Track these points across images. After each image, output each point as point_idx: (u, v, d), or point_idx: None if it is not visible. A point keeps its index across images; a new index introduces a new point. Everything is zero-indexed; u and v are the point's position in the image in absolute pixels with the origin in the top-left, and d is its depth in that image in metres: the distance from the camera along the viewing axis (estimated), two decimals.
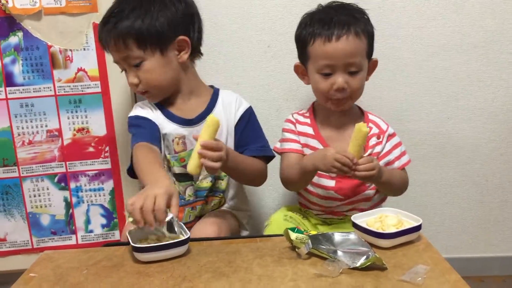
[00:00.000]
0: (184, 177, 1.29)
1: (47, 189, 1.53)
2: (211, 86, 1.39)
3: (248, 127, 1.34)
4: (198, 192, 1.31)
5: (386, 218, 1.03)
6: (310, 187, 1.30)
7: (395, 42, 1.47)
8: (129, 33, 1.19)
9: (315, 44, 1.22)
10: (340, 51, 1.19)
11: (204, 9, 1.38)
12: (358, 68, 1.22)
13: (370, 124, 1.29)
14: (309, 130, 1.30)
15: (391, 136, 1.30)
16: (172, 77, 1.26)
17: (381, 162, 1.26)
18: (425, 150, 1.59)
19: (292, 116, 1.35)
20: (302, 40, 1.26)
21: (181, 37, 1.24)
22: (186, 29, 1.26)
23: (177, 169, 1.29)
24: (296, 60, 1.45)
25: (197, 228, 1.27)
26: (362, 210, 1.21)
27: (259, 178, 1.34)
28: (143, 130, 1.24)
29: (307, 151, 1.29)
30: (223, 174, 1.33)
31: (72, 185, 1.53)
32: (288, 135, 1.33)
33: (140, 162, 1.13)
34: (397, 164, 1.29)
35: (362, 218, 1.05)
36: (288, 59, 1.52)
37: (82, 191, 1.54)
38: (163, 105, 1.30)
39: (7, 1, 1.37)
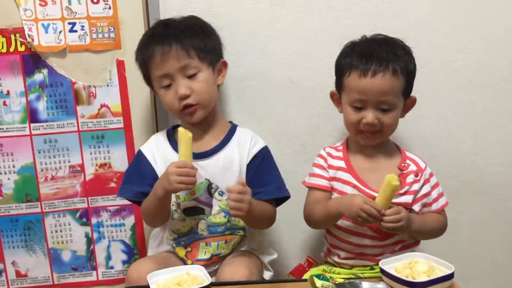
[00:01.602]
0: (194, 211, 1.30)
1: (69, 224, 1.52)
2: (230, 122, 1.38)
3: (262, 166, 1.32)
4: (211, 227, 1.30)
5: (416, 264, 1.00)
6: (339, 222, 1.26)
7: (421, 76, 1.43)
8: (192, 43, 1.25)
9: (350, 77, 1.22)
10: (373, 88, 1.18)
11: (228, 43, 1.40)
12: (391, 106, 1.20)
13: (408, 161, 1.27)
14: (341, 164, 1.28)
15: (430, 175, 1.27)
16: (215, 95, 1.32)
17: (419, 204, 1.23)
18: (453, 186, 1.54)
19: (324, 150, 1.33)
20: (340, 69, 1.26)
21: (223, 59, 1.34)
22: (222, 54, 1.36)
23: (188, 203, 1.29)
24: (318, 94, 1.45)
25: (225, 271, 1.24)
26: (394, 252, 1.17)
27: (269, 223, 1.33)
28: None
29: (338, 185, 1.27)
30: None
31: (94, 220, 1.53)
32: (317, 170, 1.31)
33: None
34: (434, 206, 1.26)
35: (391, 264, 1.01)
36: (311, 93, 1.51)
37: (103, 227, 1.53)
38: (173, 138, 1.31)
39: (32, 39, 1.39)
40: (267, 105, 1.52)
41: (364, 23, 1.46)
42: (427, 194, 1.25)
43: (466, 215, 1.57)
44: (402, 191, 1.22)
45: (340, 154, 1.31)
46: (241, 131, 1.36)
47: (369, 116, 1.19)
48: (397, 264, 1.01)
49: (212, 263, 1.31)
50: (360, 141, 1.27)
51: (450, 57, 1.49)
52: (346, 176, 1.27)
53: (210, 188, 1.29)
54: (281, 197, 1.32)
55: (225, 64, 1.35)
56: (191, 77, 1.26)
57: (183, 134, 1.19)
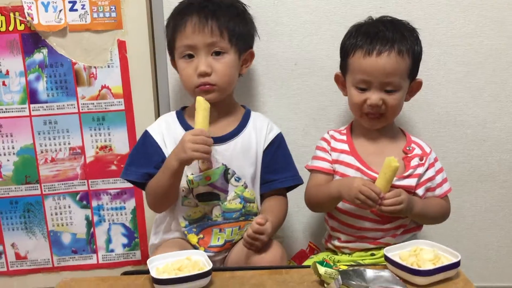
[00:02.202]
0: (209, 196, 1.26)
1: (69, 207, 1.50)
2: (243, 106, 1.36)
3: (278, 153, 1.31)
4: (227, 213, 1.27)
5: (422, 251, 0.97)
6: (339, 204, 1.25)
7: (428, 61, 1.41)
8: (228, 24, 1.23)
9: (355, 56, 1.20)
10: (378, 68, 1.16)
11: None
12: (396, 87, 1.18)
13: (413, 145, 1.26)
14: (345, 147, 1.27)
15: (435, 160, 1.26)
16: (234, 82, 1.29)
17: (422, 188, 1.22)
18: (459, 173, 1.52)
19: (328, 133, 1.32)
20: (345, 50, 1.24)
21: (251, 50, 1.31)
22: (253, 45, 1.34)
23: (202, 189, 1.26)
24: (323, 77, 1.42)
25: (235, 254, 1.25)
26: (396, 236, 1.16)
27: (285, 217, 1.32)
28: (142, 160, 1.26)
29: (340, 168, 1.25)
30: (253, 196, 1.29)
31: (94, 203, 1.51)
32: (319, 153, 1.30)
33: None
34: (438, 191, 1.24)
35: (395, 251, 0.99)
36: (315, 78, 1.48)
37: (103, 210, 1.52)
38: (188, 122, 1.28)
39: (32, 18, 1.36)
40: (271, 89, 1.49)
41: (371, 5, 1.42)
42: (431, 179, 1.23)
43: (472, 202, 1.54)
44: (406, 173, 1.20)
45: (344, 137, 1.29)
46: (256, 116, 1.34)
47: (374, 97, 1.18)
48: (402, 252, 0.99)
49: (225, 250, 1.29)
50: (364, 124, 1.25)
51: (459, 41, 1.45)
52: (349, 159, 1.25)
53: (226, 174, 1.26)
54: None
55: (252, 55, 1.32)
56: (216, 56, 1.23)
57: (201, 103, 1.16)
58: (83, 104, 1.45)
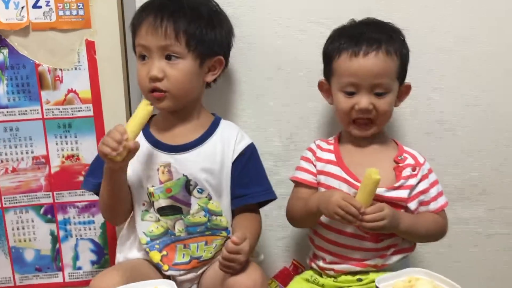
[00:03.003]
0: (171, 210, 1.17)
1: (32, 221, 1.38)
2: (213, 114, 1.26)
3: (248, 165, 1.21)
4: (190, 227, 1.17)
5: (418, 282, 0.88)
6: (322, 218, 1.16)
7: (420, 66, 1.31)
8: (185, 28, 1.12)
9: (340, 59, 1.13)
10: (366, 69, 1.09)
11: None
12: (386, 89, 1.11)
13: (405, 155, 1.17)
14: (331, 157, 1.18)
15: (429, 171, 1.17)
16: (193, 90, 1.17)
17: (415, 201, 1.13)
18: (452, 186, 1.42)
19: (314, 142, 1.23)
20: (328, 55, 1.17)
21: (220, 57, 1.19)
22: (225, 51, 1.22)
23: (162, 202, 1.17)
24: (309, 83, 1.33)
25: (209, 277, 1.16)
26: (385, 257, 1.06)
27: (259, 235, 1.22)
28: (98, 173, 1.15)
29: (325, 179, 1.16)
30: (220, 209, 1.19)
31: (60, 217, 1.39)
32: (303, 164, 1.22)
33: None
34: (433, 206, 1.15)
35: (388, 281, 0.90)
36: (300, 83, 1.37)
37: (70, 224, 1.40)
38: (154, 133, 1.19)
39: None
40: (252, 95, 1.39)
41: (359, 5, 1.32)
42: (424, 191, 1.14)
43: (465, 217, 1.45)
44: (397, 184, 1.12)
45: (331, 147, 1.20)
46: (225, 125, 1.24)
47: (363, 100, 1.10)
48: (396, 281, 0.90)
49: (193, 268, 1.19)
50: (353, 133, 1.17)
51: (453, 46, 1.35)
52: (335, 170, 1.16)
53: (188, 185, 1.17)
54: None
55: (220, 62, 1.21)
56: (169, 61, 1.13)
57: (141, 106, 1.11)
58: (48, 109, 1.33)
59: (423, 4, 1.33)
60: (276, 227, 1.46)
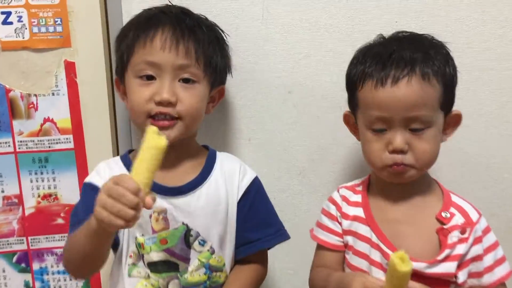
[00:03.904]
0: (164, 266, 0.98)
1: (3, 271, 1.20)
2: (205, 147, 1.08)
3: (256, 204, 1.03)
4: None
5: None
6: None
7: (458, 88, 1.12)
8: (207, 48, 0.98)
9: (364, 89, 0.91)
10: (397, 100, 0.87)
11: None
12: (426, 124, 0.88)
13: (452, 210, 0.92)
14: (359, 212, 0.96)
15: (484, 232, 0.92)
16: (200, 121, 1.01)
17: (464, 271, 0.89)
18: (493, 229, 1.20)
19: (338, 192, 1.01)
20: (351, 81, 0.95)
21: (223, 87, 1.07)
22: (225, 81, 1.09)
23: (155, 255, 0.97)
24: (325, 108, 1.18)
25: None
26: None
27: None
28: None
29: (353, 241, 0.95)
30: (222, 263, 1.01)
31: (36, 266, 1.20)
32: (325, 221, 1.00)
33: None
34: (487, 279, 0.90)
35: None
36: (314, 109, 1.19)
37: (48, 274, 1.21)
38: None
39: None
40: (257, 122, 1.20)
41: (384, 19, 1.14)
42: (476, 259, 0.90)
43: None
44: (442, 256, 0.88)
45: (359, 197, 0.98)
46: (223, 158, 1.05)
47: (397, 139, 0.87)
48: None
49: None
50: (386, 179, 0.93)
51: (495, 65, 1.16)
52: (364, 230, 0.94)
53: (188, 236, 0.98)
54: None
55: (221, 92, 1.07)
56: (184, 83, 0.96)
57: (153, 137, 0.78)
58: (21, 141, 1.15)
59: (460, 14, 1.14)
60: (284, 276, 1.26)
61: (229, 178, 1.02)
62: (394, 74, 0.87)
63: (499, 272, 0.91)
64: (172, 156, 0.98)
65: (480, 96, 1.18)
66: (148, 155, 0.78)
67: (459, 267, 0.89)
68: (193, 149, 1.04)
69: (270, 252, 1.08)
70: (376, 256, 0.92)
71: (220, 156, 1.05)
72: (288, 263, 1.25)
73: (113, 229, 0.79)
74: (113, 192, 0.74)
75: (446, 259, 0.88)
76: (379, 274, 0.90)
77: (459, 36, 1.15)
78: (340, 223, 0.98)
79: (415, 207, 0.93)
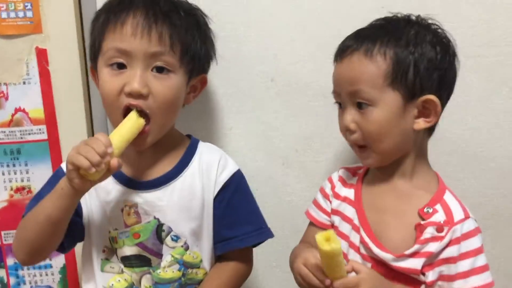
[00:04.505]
0: (137, 261, 0.95)
1: None
2: (188, 136, 1.03)
3: (235, 200, 0.98)
4: (160, 285, 0.95)
5: None
6: None
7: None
8: (183, 35, 0.91)
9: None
10: (340, 75, 0.91)
11: None
12: (367, 100, 0.86)
13: (438, 206, 0.87)
14: (350, 193, 0.95)
15: (466, 236, 0.85)
16: (175, 115, 0.95)
17: (435, 271, 0.85)
18: (480, 217, 1.18)
19: (338, 172, 1.01)
20: None
21: (204, 75, 1.00)
22: (208, 70, 1.03)
23: (128, 250, 0.94)
24: (309, 97, 1.16)
25: None
26: None
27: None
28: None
29: (338, 221, 0.95)
30: (198, 259, 0.97)
31: (10, 261, 1.17)
32: (319, 198, 1.01)
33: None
34: (458, 285, 0.84)
35: None
36: (298, 97, 1.15)
37: (23, 269, 1.18)
38: None
39: None
40: (239, 111, 1.16)
41: (370, 4, 1.09)
42: (449, 260, 0.84)
43: (493, 252, 1.21)
44: (411, 251, 0.85)
45: (355, 180, 0.97)
46: (204, 149, 1.00)
47: (345, 117, 0.90)
48: None
49: None
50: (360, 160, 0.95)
51: (483, 51, 1.13)
52: (350, 211, 0.93)
53: (160, 231, 0.94)
54: None
55: (203, 81, 1.01)
56: (158, 73, 0.89)
57: (133, 115, 0.88)
58: None
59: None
60: (270, 268, 1.23)
61: (206, 172, 0.97)
62: (343, 50, 0.90)
63: (474, 281, 0.84)
64: (149, 150, 0.95)
65: (468, 82, 1.14)
66: (125, 127, 0.86)
67: (430, 265, 0.85)
68: (171, 141, 0.99)
69: None
70: (355, 239, 0.91)
71: (201, 148, 1.00)
72: (271, 255, 1.21)
73: (72, 173, 0.81)
74: (87, 140, 0.81)
75: (414, 254, 0.85)
76: (356, 257, 0.90)
77: (449, 21, 1.08)
78: (330, 202, 0.98)
79: (404, 198, 0.90)
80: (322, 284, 0.80)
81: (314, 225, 1.00)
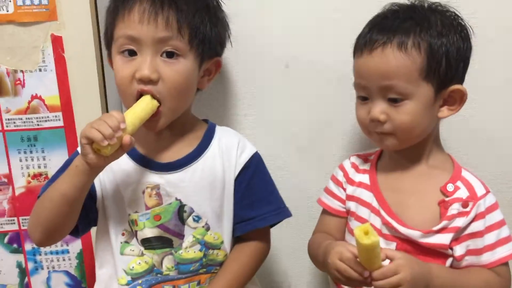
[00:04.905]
0: (158, 242, 0.96)
1: None
2: (205, 121, 1.04)
3: (255, 180, 0.99)
4: (182, 265, 0.96)
5: None
6: None
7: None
8: (192, 18, 0.90)
9: (355, 58, 0.93)
10: (370, 69, 0.87)
11: None
12: (401, 95, 0.86)
13: (459, 183, 0.89)
14: (365, 178, 0.96)
15: (489, 210, 0.88)
16: (189, 98, 0.95)
17: (462, 245, 0.87)
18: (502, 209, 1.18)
19: (349, 159, 1.01)
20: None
21: (218, 58, 0.99)
22: (222, 53, 1.02)
23: (149, 232, 0.95)
24: (325, 82, 1.14)
25: None
26: None
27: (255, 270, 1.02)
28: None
29: (355, 206, 0.95)
30: (219, 241, 0.98)
31: (28, 246, 1.18)
32: (331, 186, 1.01)
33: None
34: (486, 257, 0.88)
35: None
36: (313, 83, 1.14)
37: (40, 255, 1.19)
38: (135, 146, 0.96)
39: None
40: (254, 97, 1.15)
41: None
42: (475, 235, 0.87)
43: None
44: (438, 227, 0.86)
45: (368, 166, 0.97)
46: (222, 133, 1.01)
47: (375, 109, 0.88)
48: None
49: None
50: (377, 145, 0.96)
51: (503, 36, 1.10)
52: (367, 196, 0.94)
53: (181, 212, 0.95)
54: None
55: (218, 65, 1.00)
56: (168, 58, 0.89)
57: (147, 100, 0.88)
58: (8, 119, 1.11)
59: None
60: (285, 255, 1.23)
61: (226, 153, 0.98)
62: (371, 43, 0.87)
63: (501, 252, 0.88)
64: (167, 132, 0.96)
65: (487, 67, 1.12)
66: (139, 106, 0.87)
67: (456, 240, 0.87)
68: (188, 124, 0.99)
69: None
70: (375, 221, 0.91)
71: (219, 131, 1.01)
72: (286, 241, 1.21)
73: (86, 148, 0.82)
74: (101, 116, 0.83)
75: (442, 230, 0.87)
76: None
77: (467, 4, 1.08)
78: (344, 189, 0.98)
79: (421, 178, 0.92)
80: (361, 277, 0.80)
81: (327, 212, 1.01)
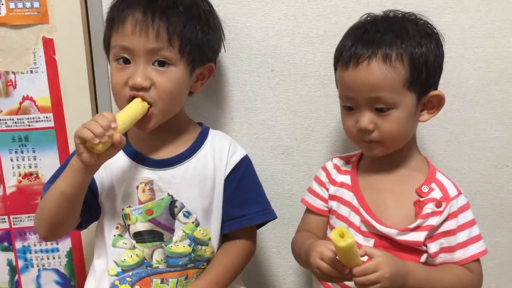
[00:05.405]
0: (150, 236, 0.99)
1: None
2: (200, 124, 1.08)
3: (244, 182, 1.04)
4: (171, 259, 0.99)
5: None
6: None
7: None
8: (182, 29, 0.94)
9: (337, 70, 0.95)
10: (357, 82, 0.90)
11: None
12: (388, 105, 0.89)
13: (433, 185, 0.94)
14: (346, 179, 1.00)
15: (461, 209, 0.93)
16: (180, 103, 1.01)
17: (437, 243, 0.91)
18: (476, 207, 1.22)
19: (332, 161, 1.05)
20: (334, 61, 0.98)
21: (211, 64, 1.03)
22: (216, 57, 1.07)
23: (140, 226, 0.99)
24: (309, 87, 1.17)
25: None
26: None
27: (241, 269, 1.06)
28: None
29: (336, 205, 0.99)
30: (207, 237, 1.02)
31: (18, 244, 1.20)
32: (314, 186, 1.06)
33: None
34: (459, 254, 0.92)
35: None
36: (297, 87, 1.17)
37: (30, 253, 1.21)
38: (131, 145, 1.01)
39: None
40: (240, 101, 1.18)
41: None
42: (449, 233, 0.91)
43: (491, 241, 1.24)
44: (413, 225, 0.91)
45: (349, 167, 1.02)
46: (215, 135, 1.06)
47: (363, 120, 0.91)
48: None
49: None
50: (364, 152, 1.00)
51: (480, 43, 1.14)
52: (348, 195, 0.98)
53: (172, 207, 0.99)
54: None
55: (210, 70, 1.04)
56: (159, 67, 0.93)
57: (137, 101, 0.92)
58: (0, 120, 1.13)
59: None
60: (270, 254, 1.26)
61: (218, 154, 1.03)
62: (356, 57, 0.89)
63: (473, 249, 0.92)
64: (162, 132, 1.00)
65: (465, 74, 1.16)
66: (130, 107, 0.91)
67: (431, 238, 0.91)
68: (183, 125, 1.04)
69: None
70: (355, 219, 0.95)
71: (212, 134, 1.05)
72: (271, 241, 1.25)
73: (80, 147, 0.87)
74: (93, 117, 0.88)
75: (417, 228, 0.91)
76: (357, 236, 0.94)
77: (446, 13, 1.13)
78: (327, 189, 1.02)
79: (399, 179, 0.96)
80: (341, 274, 0.83)
81: (310, 211, 1.05)
